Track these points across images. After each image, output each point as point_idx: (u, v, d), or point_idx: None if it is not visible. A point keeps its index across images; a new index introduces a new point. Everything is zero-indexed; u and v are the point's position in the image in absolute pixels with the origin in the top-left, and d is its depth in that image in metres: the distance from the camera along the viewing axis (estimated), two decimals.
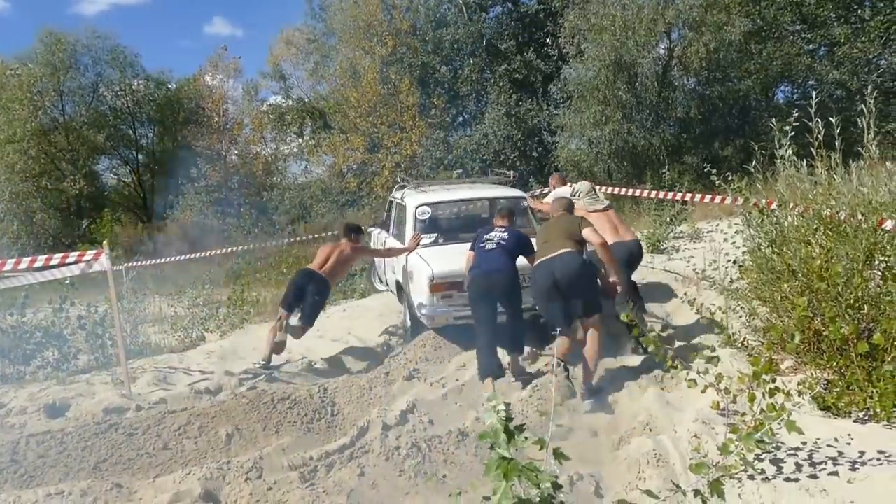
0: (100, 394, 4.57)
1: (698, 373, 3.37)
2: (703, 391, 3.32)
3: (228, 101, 32.28)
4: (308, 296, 5.88)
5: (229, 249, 17.37)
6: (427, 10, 25.11)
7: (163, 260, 16.83)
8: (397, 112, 24.87)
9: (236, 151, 32.55)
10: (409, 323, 6.08)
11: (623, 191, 10.42)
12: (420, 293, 5.64)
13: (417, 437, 3.68)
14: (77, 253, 5.09)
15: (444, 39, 24.15)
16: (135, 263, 15.12)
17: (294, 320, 5.88)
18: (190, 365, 5.65)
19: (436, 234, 6.45)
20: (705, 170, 5.31)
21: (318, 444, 3.77)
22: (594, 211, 5.66)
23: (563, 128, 20.44)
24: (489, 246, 5.21)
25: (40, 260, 5.09)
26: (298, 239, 21.76)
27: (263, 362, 5.56)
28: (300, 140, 30.05)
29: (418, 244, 6.17)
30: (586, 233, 4.75)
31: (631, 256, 5.50)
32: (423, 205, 6.64)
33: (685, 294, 5.92)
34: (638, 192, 11.00)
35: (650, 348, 3.56)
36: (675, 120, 20.99)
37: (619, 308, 5.07)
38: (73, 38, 28.08)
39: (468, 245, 5.44)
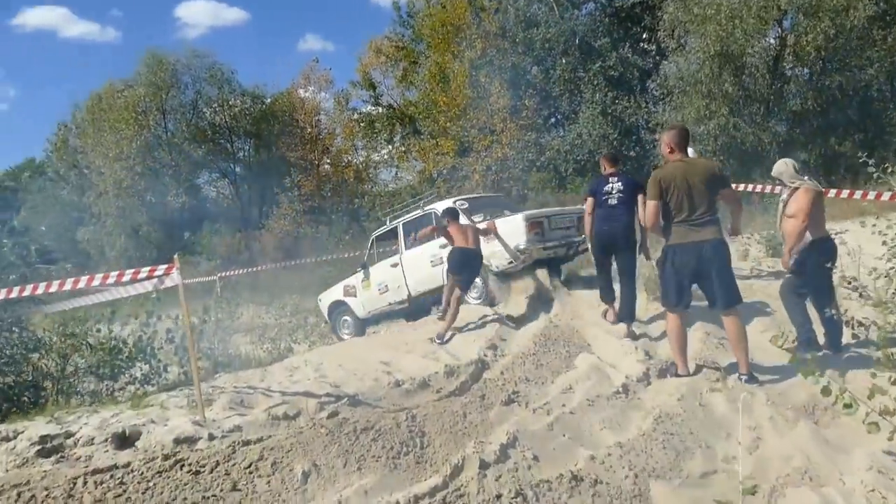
0: (173, 419, 4.24)
1: (879, 413, 2.63)
2: (892, 438, 2.57)
3: (321, 112, 32.83)
4: (474, 270, 7.20)
5: (322, 258, 17.34)
6: (517, 11, 24.44)
7: (250, 269, 17.05)
8: (487, 115, 24.36)
9: (328, 161, 33.02)
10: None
11: (738, 186, 9.47)
12: (517, 236, 7.75)
13: (521, 480, 3.09)
14: (148, 268, 4.83)
15: (534, 39, 23.42)
16: (224, 273, 15.35)
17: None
18: (271, 384, 5.29)
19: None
20: (860, 160, 4.43)
21: (405, 484, 3.24)
22: None
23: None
24: (612, 201, 6.08)
25: (112, 276, 4.87)
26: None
27: (440, 340, 6.42)
28: (390, 147, 30.10)
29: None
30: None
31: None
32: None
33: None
34: (751, 188, 9.98)
35: (811, 378, 2.84)
36: (787, 114, 19.44)
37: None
38: (174, 58, 29.21)
39: None
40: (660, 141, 6.14)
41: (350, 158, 32.01)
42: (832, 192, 8.63)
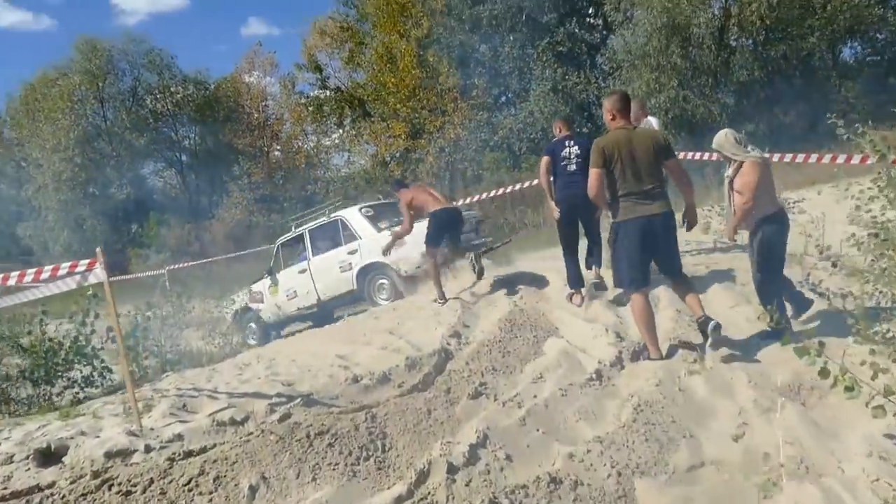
0: (106, 430, 3.83)
1: (883, 395, 2.42)
2: None
3: (267, 98, 31.95)
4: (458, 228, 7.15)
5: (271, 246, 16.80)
6: None
7: (200, 261, 16.41)
8: (438, 95, 23.99)
9: (278, 147, 32.21)
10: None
11: (688, 156, 9.35)
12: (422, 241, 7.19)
13: (495, 484, 2.80)
14: (69, 264, 4.39)
15: (481, 16, 23.03)
16: (172, 266, 14.72)
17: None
18: (218, 384, 4.89)
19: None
20: (829, 121, 4.23)
21: (365, 494, 2.93)
22: None
23: None
24: (570, 167, 5.99)
25: (29, 274, 4.40)
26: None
27: (441, 301, 6.53)
28: (341, 131, 29.41)
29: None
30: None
31: None
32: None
33: (808, 277, 4.87)
34: (706, 157, 9.81)
35: (805, 357, 2.61)
36: (735, 85, 19.54)
37: None
38: (109, 44, 27.98)
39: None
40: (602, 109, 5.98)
41: (300, 144, 31.27)
42: (801, 158, 8.56)
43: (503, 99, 25.81)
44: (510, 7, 22.48)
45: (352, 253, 8.59)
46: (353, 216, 9.10)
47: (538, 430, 3.38)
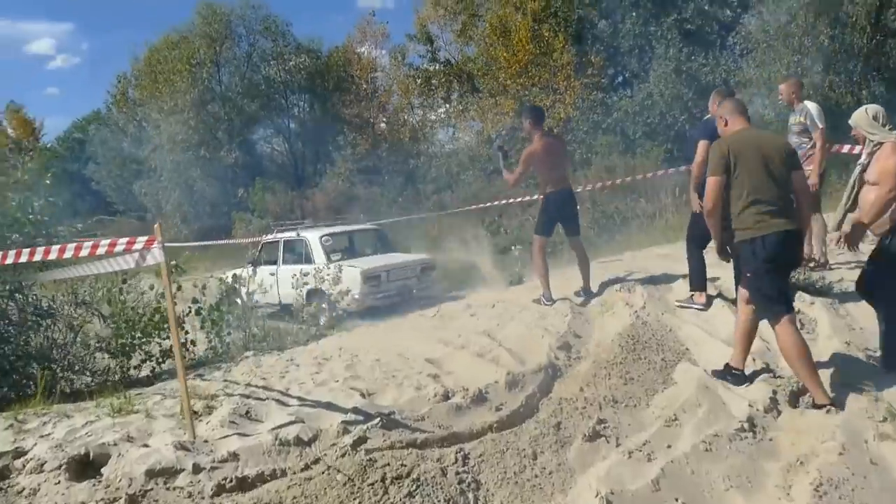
0: (156, 436, 3.34)
1: None
2: None
3: (377, 69, 31.75)
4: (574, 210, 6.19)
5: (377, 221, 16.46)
6: None
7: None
8: (550, 72, 22.83)
9: (384, 119, 32.03)
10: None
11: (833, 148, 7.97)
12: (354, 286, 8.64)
13: None
14: (126, 240, 3.92)
15: None
16: (266, 237, 14.55)
17: None
18: (292, 382, 4.33)
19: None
20: None
21: None
22: None
23: (746, 84, 17.50)
24: None
25: (86, 248, 3.96)
26: (446, 212, 20.62)
27: (548, 302, 5.75)
28: (447, 106, 28.78)
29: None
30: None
31: None
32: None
33: None
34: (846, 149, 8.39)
35: None
36: (889, 71, 17.40)
37: None
38: (228, 8, 28.42)
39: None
40: (713, 106, 5.03)
41: (406, 117, 30.92)
42: None
43: (620, 79, 24.36)
44: None
45: (305, 274, 8.85)
46: (314, 242, 10.14)
47: (678, 501, 2.57)
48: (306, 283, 8.60)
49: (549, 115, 22.20)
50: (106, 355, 5.78)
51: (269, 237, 11.54)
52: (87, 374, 5.60)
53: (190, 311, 6.63)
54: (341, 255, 10.19)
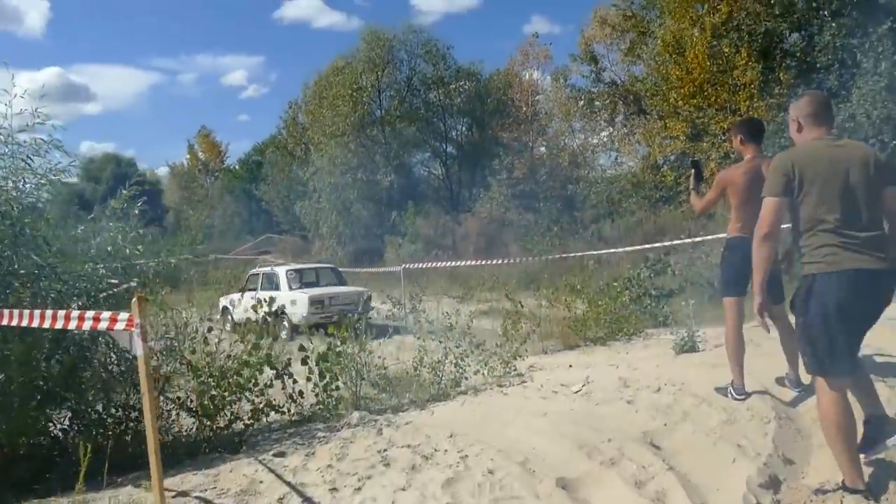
0: None
1: None
2: None
3: (538, 92, 30.79)
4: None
5: (520, 260, 15.27)
6: None
7: (439, 264, 15.41)
8: (729, 91, 20.53)
9: (544, 143, 30.94)
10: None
11: None
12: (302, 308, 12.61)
13: None
14: (109, 314, 2.99)
15: None
16: (409, 265, 13.85)
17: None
18: (378, 489, 3.19)
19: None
20: None
21: None
22: None
23: None
24: None
25: (58, 319, 3.09)
26: (604, 241, 18.98)
27: (740, 396, 4.21)
28: (611, 129, 27.07)
29: None
30: None
31: None
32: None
33: None
34: None
35: None
36: None
37: None
38: (391, 34, 28.75)
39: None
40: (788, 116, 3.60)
41: (566, 141, 29.60)
42: None
43: None
44: None
45: (273, 299, 10.40)
46: (281, 274, 14.04)
47: None
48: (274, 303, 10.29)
49: (726, 139, 19.92)
50: (184, 414, 4.99)
51: (253, 271, 15.49)
52: (169, 435, 4.83)
53: (287, 362, 5.79)
54: (301, 285, 13.96)
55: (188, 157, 53.97)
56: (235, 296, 13.23)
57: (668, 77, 21.51)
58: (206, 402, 4.89)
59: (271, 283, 13.99)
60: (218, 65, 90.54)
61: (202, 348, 5.10)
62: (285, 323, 12.44)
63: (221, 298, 14.58)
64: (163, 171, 60.56)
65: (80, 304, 4.71)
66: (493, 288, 16.17)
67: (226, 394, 4.96)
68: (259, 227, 45.47)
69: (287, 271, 14.18)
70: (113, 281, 4.91)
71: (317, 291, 13.55)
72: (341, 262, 26.77)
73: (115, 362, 5.03)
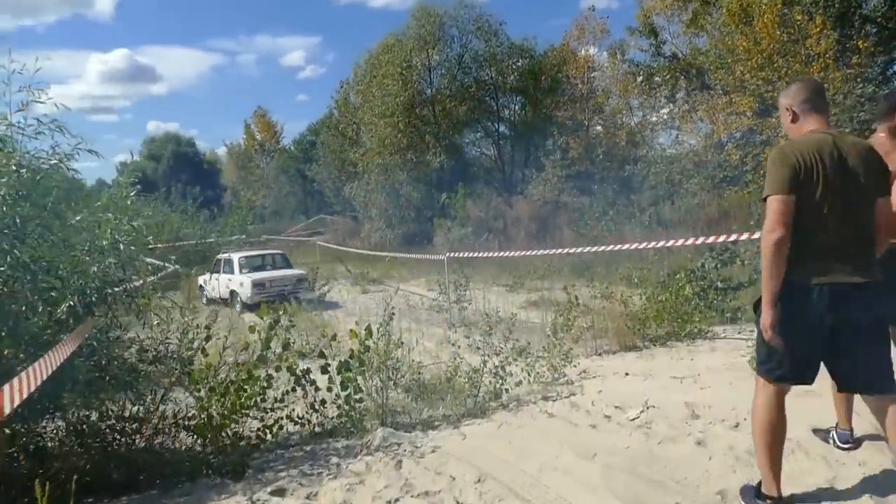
0: None
1: None
2: None
3: (594, 68, 29.48)
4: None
5: (575, 249, 14.40)
6: None
7: (488, 254, 14.61)
8: (802, 62, 19.01)
9: (600, 121, 29.69)
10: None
11: None
12: (246, 289, 15.11)
13: None
14: None
15: None
16: (456, 253, 13.11)
17: None
18: None
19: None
20: None
21: None
22: None
23: None
24: None
25: None
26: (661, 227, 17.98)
27: (846, 445, 3.37)
28: (671, 106, 25.66)
29: None
30: None
31: None
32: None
33: None
34: None
35: None
36: None
37: None
38: (442, 10, 27.87)
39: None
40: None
41: (624, 119, 28.29)
42: None
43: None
44: None
45: (230, 280, 15.80)
46: (235, 260, 16.32)
47: None
48: (230, 286, 15.72)
49: None
50: (182, 433, 4.45)
51: (219, 256, 17.54)
52: (167, 453, 4.30)
53: (307, 369, 5.21)
54: (249, 269, 16.09)
55: (244, 137, 54.53)
56: (208, 276, 16.44)
57: (735, 48, 20.08)
58: (202, 421, 4.34)
59: (230, 267, 16.21)
60: (276, 45, 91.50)
61: (199, 358, 4.54)
62: (238, 299, 15.40)
63: (200, 278, 17.06)
64: (222, 151, 61.44)
65: (71, 303, 4.22)
66: (544, 276, 15.39)
67: (226, 412, 4.39)
68: (313, 208, 45.58)
69: (239, 257, 16.53)
70: (106, 279, 4.38)
71: (258, 275, 15.69)
72: (391, 244, 26.31)
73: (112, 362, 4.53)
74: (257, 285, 15.18)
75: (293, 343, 5.61)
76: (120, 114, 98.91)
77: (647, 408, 4.27)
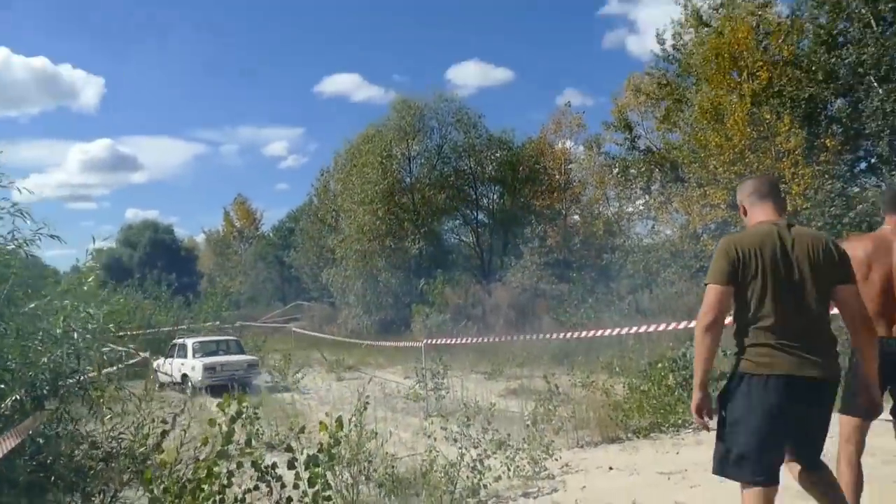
0: None
1: None
2: None
3: (571, 160, 30.28)
4: None
5: (551, 336, 14.26)
6: (817, 31, 19.71)
7: (462, 340, 14.44)
8: (772, 158, 19.63)
9: (577, 211, 30.20)
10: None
11: None
12: (197, 372, 15.51)
13: None
14: None
15: (839, 65, 18.50)
16: (431, 341, 12.87)
17: None
18: None
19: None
20: None
21: None
22: None
23: None
24: None
25: None
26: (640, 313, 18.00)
27: None
28: (647, 197, 26.22)
29: None
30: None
31: None
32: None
33: None
34: None
35: None
36: None
37: None
38: (422, 102, 28.66)
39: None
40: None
41: (601, 209, 28.80)
42: None
43: (863, 165, 20.50)
44: (885, 50, 17.59)
45: (182, 364, 16.21)
46: (189, 345, 16.75)
47: None
48: (182, 370, 16.07)
49: None
50: None
51: (174, 341, 18.03)
52: None
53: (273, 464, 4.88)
54: (202, 354, 16.52)
55: (224, 223, 54.58)
56: (162, 360, 16.66)
57: (707, 144, 20.72)
58: None
59: (183, 352, 16.69)
60: (259, 136, 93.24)
61: (155, 455, 4.21)
62: (189, 383, 15.61)
63: (155, 363, 17.57)
64: (200, 238, 61.27)
65: (17, 397, 3.94)
66: (523, 363, 15.12)
67: None
68: (290, 294, 45.17)
69: (193, 343, 17.08)
70: (58, 371, 4.10)
71: (209, 360, 16.23)
72: (368, 331, 25.92)
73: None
74: (208, 369, 15.74)
75: (261, 434, 5.32)
76: (98, 202, 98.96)
77: None
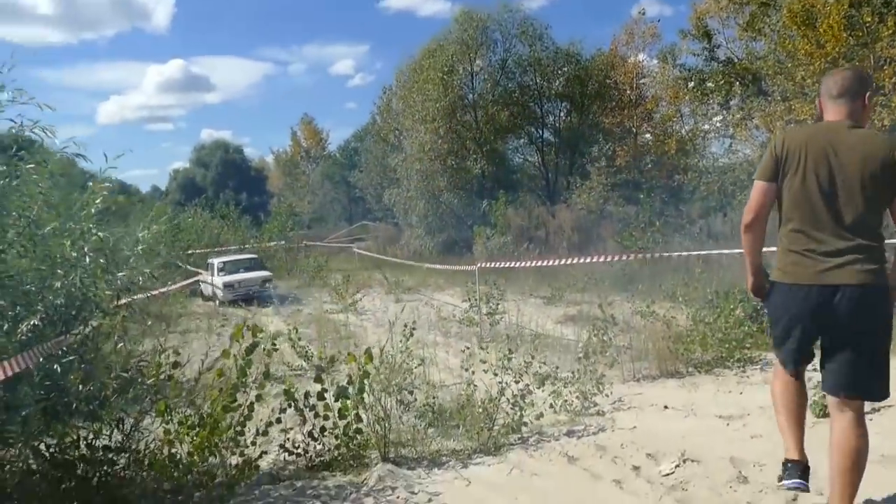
0: None
1: None
2: None
3: (644, 74, 28.50)
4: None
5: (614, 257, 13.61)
6: None
7: (512, 263, 13.94)
8: (871, 68, 17.81)
9: (649, 129, 28.65)
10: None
11: None
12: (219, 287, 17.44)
13: None
14: None
15: None
16: (485, 263, 12.45)
17: None
18: None
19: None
20: None
21: None
22: None
23: None
24: None
25: None
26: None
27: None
28: (725, 113, 24.50)
29: None
30: None
31: None
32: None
33: None
34: None
35: None
36: None
37: None
38: (486, 14, 27.27)
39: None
40: None
41: (674, 126, 27.21)
42: None
43: None
44: None
45: (212, 281, 17.78)
46: (215, 264, 18.79)
47: None
48: (213, 285, 17.65)
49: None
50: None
51: (209, 260, 19.59)
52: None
53: (306, 393, 4.67)
54: (226, 272, 18.40)
55: (291, 143, 54.92)
56: (205, 275, 18.17)
57: (795, 53, 18.95)
58: (162, 458, 3.81)
59: (212, 270, 18.48)
60: (326, 54, 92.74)
61: (172, 386, 4.01)
62: (218, 296, 17.42)
63: (200, 276, 18.40)
64: (270, 158, 62.08)
65: (35, 322, 3.76)
66: (584, 289, 14.62)
67: (194, 450, 3.84)
68: (357, 214, 45.47)
69: (218, 262, 19.00)
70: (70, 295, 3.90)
71: (229, 277, 18.07)
72: (430, 252, 25.76)
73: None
74: (228, 286, 17.59)
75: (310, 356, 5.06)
76: (175, 122, 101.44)
77: (685, 461, 3.57)
